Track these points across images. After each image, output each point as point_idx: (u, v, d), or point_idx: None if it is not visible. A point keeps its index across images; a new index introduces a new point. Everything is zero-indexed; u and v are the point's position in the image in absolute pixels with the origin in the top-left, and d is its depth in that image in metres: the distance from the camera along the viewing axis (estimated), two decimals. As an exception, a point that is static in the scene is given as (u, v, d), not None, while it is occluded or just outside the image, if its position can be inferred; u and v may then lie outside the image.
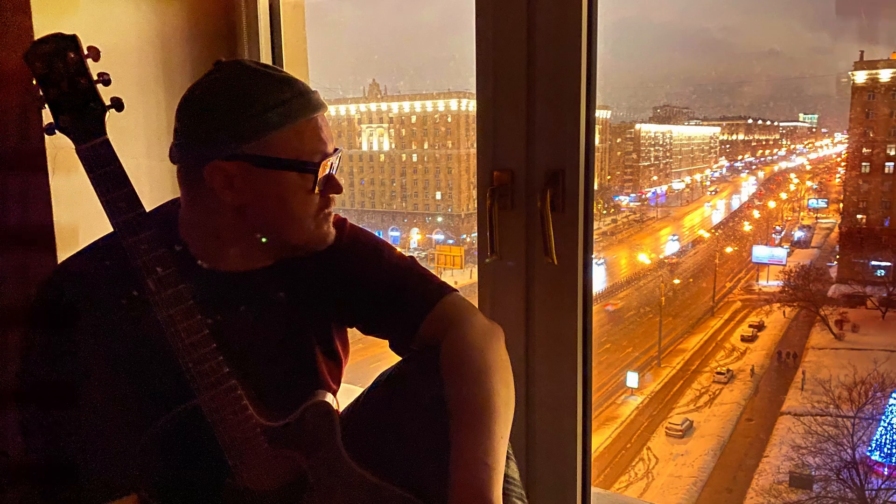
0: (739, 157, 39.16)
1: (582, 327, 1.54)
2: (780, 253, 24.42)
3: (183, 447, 1.06)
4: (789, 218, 30.05)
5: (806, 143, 40.51)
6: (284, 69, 1.12)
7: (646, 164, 35.83)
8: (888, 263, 19.16)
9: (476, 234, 1.68)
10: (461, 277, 19.35)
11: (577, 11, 1.42)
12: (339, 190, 1.12)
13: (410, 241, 28.90)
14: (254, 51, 1.96)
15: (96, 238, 1.14)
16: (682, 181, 36.95)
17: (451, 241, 28.06)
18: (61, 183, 1.49)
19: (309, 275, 1.15)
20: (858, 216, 20.69)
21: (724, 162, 38.73)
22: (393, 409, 1.12)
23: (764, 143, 40.61)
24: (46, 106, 1.02)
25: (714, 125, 39.81)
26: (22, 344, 1.12)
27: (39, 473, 1.12)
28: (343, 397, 1.20)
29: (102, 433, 1.09)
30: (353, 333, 1.24)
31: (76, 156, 1.02)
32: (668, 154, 37.25)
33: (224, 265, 1.12)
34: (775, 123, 41.34)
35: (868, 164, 20.55)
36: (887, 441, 12.52)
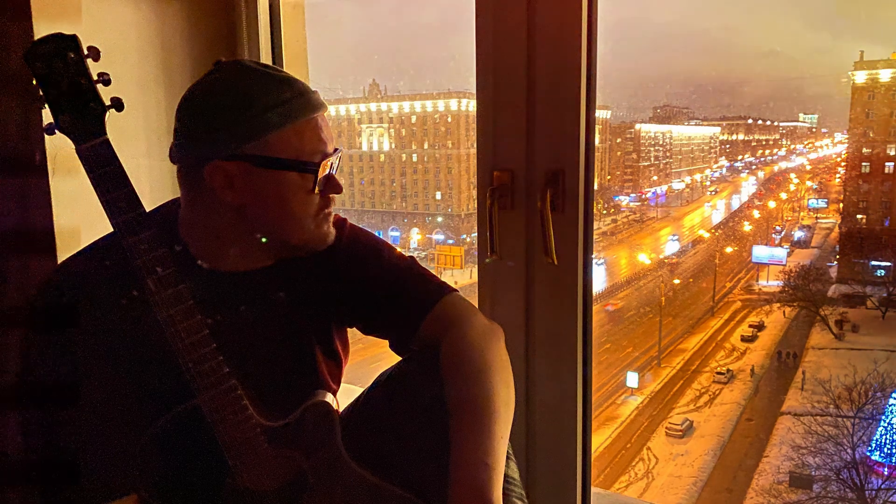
0: (739, 157, 39.13)
1: (582, 327, 1.54)
2: (780, 253, 24.40)
3: (183, 447, 1.06)
4: (789, 218, 30.02)
5: (806, 143, 40.47)
6: (284, 69, 1.12)
7: (646, 164, 35.80)
8: (888, 263, 19.13)
9: (476, 234, 1.68)
10: (461, 277, 19.33)
11: (577, 11, 1.42)
12: (339, 190, 1.12)
13: (410, 241, 28.87)
14: (254, 51, 1.96)
15: (96, 238, 1.14)
16: (682, 181, 36.91)
17: (451, 241, 28.03)
18: (61, 183, 1.49)
19: (309, 275, 1.16)
20: (858, 216, 20.65)
21: (724, 162, 38.70)
22: (393, 409, 1.12)
23: (764, 143, 40.58)
24: (46, 106, 1.02)
25: (714, 125, 39.76)
26: (22, 344, 1.12)
27: (39, 473, 1.12)
28: (343, 397, 1.20)
29: (102, 433, 1.09)
30: (353, 333, 1.24)
31: (76, 156, 1.02)
32: (668, 154, 37.21)
33: (224, 265, 1.12)
34: (775, 123, 41.30)
35: (868, 164, 20.52)
36: (887, 441, 12.52)
